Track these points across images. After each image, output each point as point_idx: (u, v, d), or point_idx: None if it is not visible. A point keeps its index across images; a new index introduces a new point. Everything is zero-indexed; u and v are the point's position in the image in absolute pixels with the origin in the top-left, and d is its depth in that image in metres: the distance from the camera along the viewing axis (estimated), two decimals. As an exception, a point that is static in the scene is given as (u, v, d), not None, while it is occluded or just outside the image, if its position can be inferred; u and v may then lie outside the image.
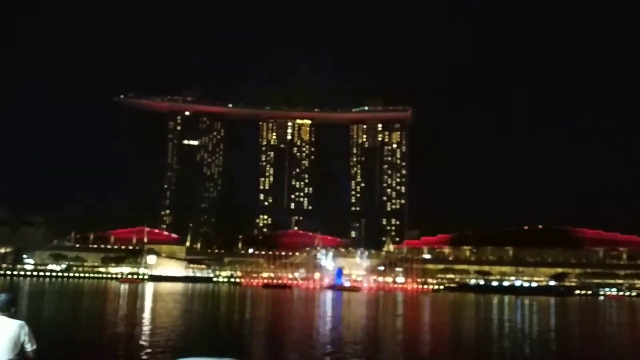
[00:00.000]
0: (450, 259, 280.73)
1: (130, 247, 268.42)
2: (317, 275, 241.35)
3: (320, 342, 38.24)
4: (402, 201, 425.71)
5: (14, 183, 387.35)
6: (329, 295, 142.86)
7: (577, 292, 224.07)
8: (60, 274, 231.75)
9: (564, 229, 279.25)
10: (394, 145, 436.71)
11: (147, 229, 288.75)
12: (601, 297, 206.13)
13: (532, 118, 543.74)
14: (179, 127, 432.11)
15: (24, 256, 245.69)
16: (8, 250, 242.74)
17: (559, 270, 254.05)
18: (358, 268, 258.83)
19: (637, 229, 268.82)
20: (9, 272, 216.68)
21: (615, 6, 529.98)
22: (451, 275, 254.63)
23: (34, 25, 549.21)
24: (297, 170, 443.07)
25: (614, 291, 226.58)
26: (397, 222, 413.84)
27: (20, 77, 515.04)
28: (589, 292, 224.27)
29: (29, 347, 9.61)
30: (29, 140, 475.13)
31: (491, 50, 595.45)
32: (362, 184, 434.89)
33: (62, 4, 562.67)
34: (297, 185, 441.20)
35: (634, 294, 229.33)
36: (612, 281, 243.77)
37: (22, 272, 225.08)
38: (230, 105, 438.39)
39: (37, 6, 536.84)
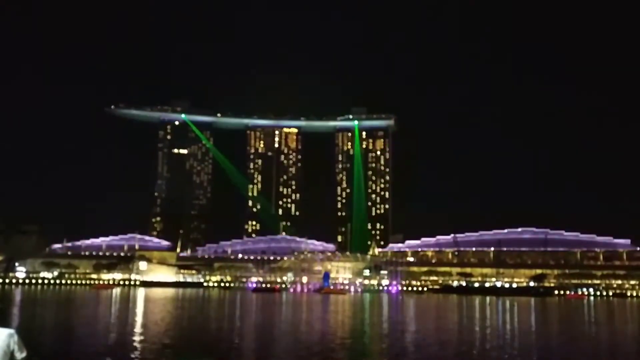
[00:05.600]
0: (433, 261, 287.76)
1: (122, 254, 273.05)
2: (305, 279, 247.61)
3: (307, 347, 38.80)
4: (387, 206, 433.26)
5: (5, 192, 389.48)
6: (316, 298, 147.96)
7: (556, 292, 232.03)
8: (52, 281, 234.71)
9: (543, 231, 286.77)
10: (378, 152, 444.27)
11: (138, 236, 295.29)
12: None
13: (514, 123, 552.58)
14: (168, 137, 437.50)
15: (16, 264, 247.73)
16: (0, 258, 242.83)
17: (539, 271, 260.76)
18: (344, 272, 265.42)
19: (613, 231, 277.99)
20: (0, 281, 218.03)
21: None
22: (434, 278, 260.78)
23: (29, 35, 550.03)
24: (285, 177, 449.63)
25: (573, 292, 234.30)
26: (382, 227, 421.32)
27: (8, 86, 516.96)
28: (568, 292, 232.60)
29: (18, 356, 9.74)
30: (20, 150, 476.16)
31: (476, 56, 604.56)
32: (348, 190, 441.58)
33: (53, 13, 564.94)
34: (285, 192, 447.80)
35: (605, 293, 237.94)
36: (589, 281, 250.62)
37: (14, 281, 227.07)
38: (219, 115, 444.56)
39: (27, 16, 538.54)
